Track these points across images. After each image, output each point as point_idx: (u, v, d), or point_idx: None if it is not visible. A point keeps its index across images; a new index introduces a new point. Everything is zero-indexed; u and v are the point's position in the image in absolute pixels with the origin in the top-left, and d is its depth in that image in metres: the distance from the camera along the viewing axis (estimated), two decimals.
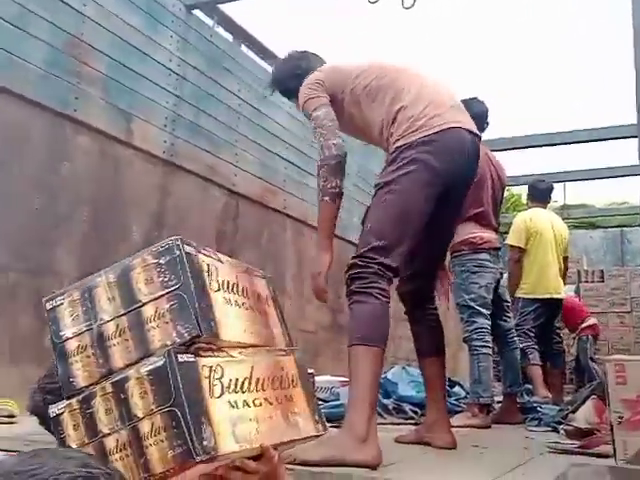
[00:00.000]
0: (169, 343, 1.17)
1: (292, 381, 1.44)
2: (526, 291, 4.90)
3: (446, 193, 2.27)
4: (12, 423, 2.65)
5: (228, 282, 1.35)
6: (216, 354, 1.23)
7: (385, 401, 3.98)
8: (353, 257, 2.19)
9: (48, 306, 1.30)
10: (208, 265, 1.29)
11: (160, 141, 3.96)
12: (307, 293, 5.41)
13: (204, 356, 1.20)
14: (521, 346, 4.72)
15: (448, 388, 3.98)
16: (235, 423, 1.20)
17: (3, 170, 3.02)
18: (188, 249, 1.24)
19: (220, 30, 4.71)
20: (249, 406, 1.26)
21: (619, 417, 2.13)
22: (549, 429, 3.31)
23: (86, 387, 1.21)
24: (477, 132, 2.39)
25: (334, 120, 2.34)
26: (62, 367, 1.26)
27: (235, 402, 1.22)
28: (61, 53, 3.32)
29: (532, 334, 4.90)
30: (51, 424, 1.25)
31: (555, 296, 4.95)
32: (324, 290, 2.28)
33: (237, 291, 1.37)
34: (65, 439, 1.20)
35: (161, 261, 1.21)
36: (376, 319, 2.09)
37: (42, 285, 3.14)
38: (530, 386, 4.85)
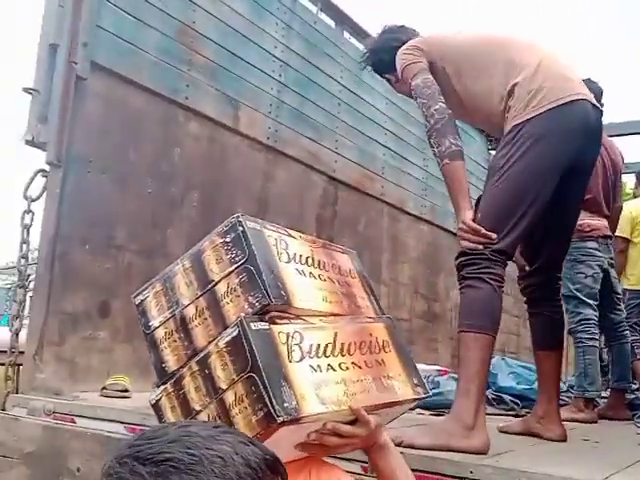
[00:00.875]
0: (243, 315, 1.20)
1: (383, 346, 1.44)
2: (632, 283, 4.72)
3: (569, 175, 2.14)
4: (126, 397, 2.79)
5: (301, 255, 1.38)
6: (293, 321, 1.26)
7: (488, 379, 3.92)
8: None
9: (136, 301, 1.38)
10: (276, 239, 1.33)
11: (265, 127, 4.03)
12: (402, 279, 5.41)
13: (280, 323, 1.23)
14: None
15: None
16: (319, 386, 1.20)
17: (121, 155, 3.15)
18: (251, 225, 1.29)
19: (323, 16, 4.72)
20: (334, 370, 1.27)
21: None
22: None
23: (177, 370, 1.27)
24: (600, 107, 2.25)
25: (434, 85, 2.21)
26: (154, 355, 1.33)
27: (318, 366, 1.24)
28: (173, 41, 3.43)
29: (639, 327, 4.70)
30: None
31: None
32: (477, 229, 2.06)
33: (312, 263, 1.40)
34: (165, 422, 1.24)
35: (227, 239, 1.27)
36: (487, 305, 2.02)
37: (154, 266, 3.27)
38: (637, 383, 4.66)
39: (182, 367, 1.27)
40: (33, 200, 2.85)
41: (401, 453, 1.75)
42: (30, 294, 2.93)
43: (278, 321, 1.23)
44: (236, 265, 1.25)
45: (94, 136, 3.02)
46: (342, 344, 1.32)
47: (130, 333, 3.02)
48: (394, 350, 1.48)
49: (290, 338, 1.22)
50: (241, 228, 1.27)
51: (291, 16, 4.27)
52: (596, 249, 3.55)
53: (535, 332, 2.46)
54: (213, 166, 3.69)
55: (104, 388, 2.82)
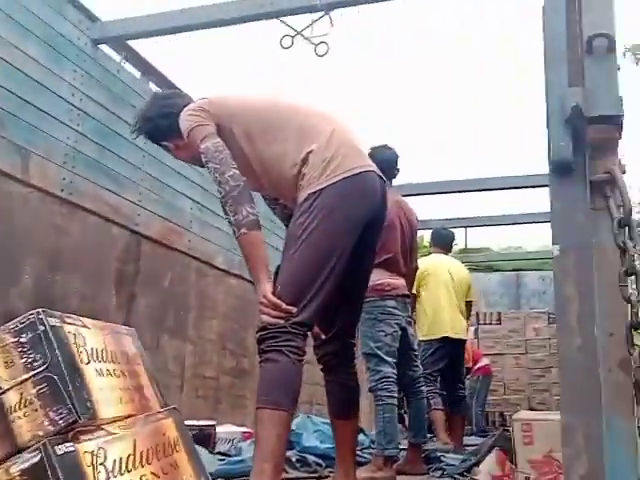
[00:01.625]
0: (42, 434, 1.05)
1: (174, 446, 1.43)
2: (424, 333, 5.00)
3: (360, 241, 2.17)
4: None
5: (97, 350, 1.27)
6: (95, 434, 1.14)
7: (288, 453, 3.87)
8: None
9: None
10: (75, 335, 1.19)
11: (59, 179, 3.76)
12: (209, 336, 5.27)
13: (83, 440, 1.10)
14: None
15: None
16: None
17: None
18: (53, 321, 1.14)
19: (128, 66, 4.56)
20: None
21: (526, 478, 2.14)
22: None
23: None
24: (383, 177, 2.31)
25: (225, 150, 2.13)
26: None
27: None
28: None
29: (433, 378, 4.95)
30: None
31: (453, 335, 5.04)
32: (277, 303, 2.01)
33: (107, 358, 1.30)
34: None
35: (22, 339, 1.11)
36: (286, 380, 1.97)
37: None
38: (434, 433, 4.88)
39: None
40: None
41: None
42: None
43: (81, 437, 1.11)
44: (34, 372, 1.10)
45: None
46: (141, 453, 1.26)
47: None
48: (183, 448, 1.48)
49: (95, 457, 1.11)
50: (42, 327, 1.12)
51: (92, 64, 4.07)
52: (395, 307, 3.66)
53: (331, 400, 2.44)
54: None
55: None
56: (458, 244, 10.62)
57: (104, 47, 4.24)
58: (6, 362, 1.11)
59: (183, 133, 2.24)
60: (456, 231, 9.50)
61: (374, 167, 2.25)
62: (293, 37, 3.76)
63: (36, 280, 3.57)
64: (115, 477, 1.14)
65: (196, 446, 3.60)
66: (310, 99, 2.40)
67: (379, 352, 3.56)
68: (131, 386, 1.38)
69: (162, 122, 2.38)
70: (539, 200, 5.99)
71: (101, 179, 4.10)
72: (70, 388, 1.09)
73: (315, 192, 2.10)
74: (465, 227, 9.19)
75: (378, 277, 3.55)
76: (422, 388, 3.92)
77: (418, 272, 4.72)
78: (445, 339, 5.02)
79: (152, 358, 4.47)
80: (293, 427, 4.11)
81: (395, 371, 3.60)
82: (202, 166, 2.22)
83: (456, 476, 3.32)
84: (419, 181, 7.08)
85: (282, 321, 2.00)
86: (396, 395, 3.57)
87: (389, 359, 3.58)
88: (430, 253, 5.52)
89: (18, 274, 3.47)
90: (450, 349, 5.04)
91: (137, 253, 4.45)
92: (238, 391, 5.53)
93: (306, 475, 3.45)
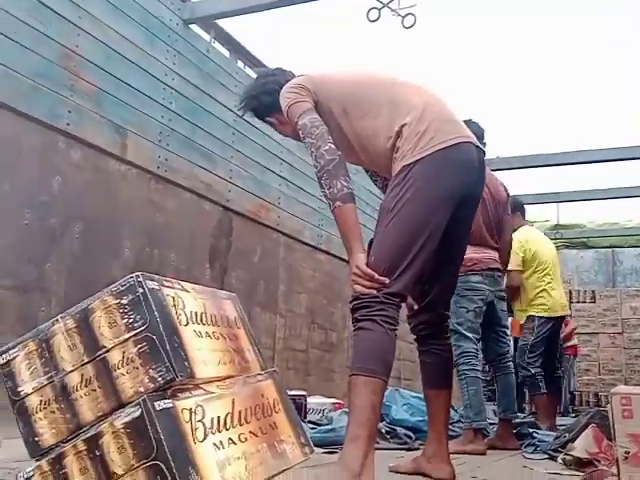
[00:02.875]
0: (142, 390, 1.10)
1: (274, 407, 1.44)
2: (535, 311, 4.80)
3: (456, 213, 2.15)
4: None
5: (196, 313, 1.30)
6: (194, 393, 1.18)
7: (379, 424, 3.91)
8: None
9: (1, 360, 1.21)
10: (173, 298, 1.22)
11: (154, 156, 3.89)
12: (299, 310, 5.36)
13: (182, 398, 1.14)
14: (532, 372, 4.68)
15: None
16: (223, 465, 1.15)
17: None
18: (151, 284, 1.17)
19: (217, 45, 4.65)
20: (235, 443, 1.23)
21: (625, 452, 2.06)
22: (546, 457, 3.25)
23: (55, 445, 1.14)
24: (482, 147, 2.30)
25: (322, 125, 2.15)
26: (25, 426, 1.17)
27: (220, 442, 1.18)
28: (54, 65, 3.26)
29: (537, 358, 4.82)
30: None
31: (563, 313, 4.91)
32: (370, 274, 2.01)
33: (206, 320, 1.32)
34: None
35: (123, 301, 1.15)
36: (380, 348, 1.96)
37: (30, 303, 3.06)
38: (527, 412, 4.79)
39: (62, 443, 1.14)
40: None
41: None
42: None
43: (180, 395, 1.14)
44: (134, 332, 1.13)
45: None
46: (240, 412, 1.29)
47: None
48: (282, 409, 1.49)
49: (193, 414, 1.14)
50: (141, 290, 1.15)
51: (184, 44, 4.17)
52: (480, 282, 3.59)
53: (424, 371, 2.44)
54: (98, 196, 3.51)
55: None
56: (550, 220, 10.33)
57: (194, 27, 4.34)
58: (109, 322, 1.15)
59: (282, 109, 2.28)
60: (547, 207, 9.26)
61: (472, 138, 2.22)
62: (380, 9, 3.73)
63: (135, 253, 3.73)
64: (213, 434, 1.17)
65: None
66: (402, 71, 2.39)
67: (459, 328, 3.52)
68: (231, 348, 1.40)
69: (266, 99, 2.41)
70: (638, 173, 5.70)
71: (194, 156, 4.22)
72: (168, 347, 1.12)
73: (409, 164, 2.09)
74: (557, 202, 8.87)
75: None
76: (509, 363, 3.84)
77: (520, 247, 4.66)
78: (555, 317, 4.85)
79: None
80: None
81: (477, 346, 3.56)
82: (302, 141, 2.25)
83: (550, 452, 3.25)
84: (509, 155, 6.91)
85: (375, 291, 2.01)
86: (479, 368, 3.54)
87: (470, 335, 3.53)
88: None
89: (119, 247, 3.64)
90: (554, 327, 4.88)
91: (229, 228, 4.56)
92: (327, 364, 5.61)
93: (396, 446, 3.46)
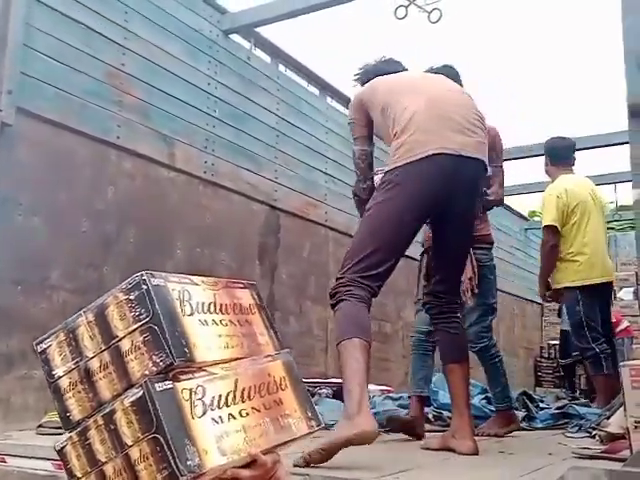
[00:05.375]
0: (147, 373, 1.26)
1: (280, 385, 1.53)
2: (576, 278, 4.14)
3: (444, 211, 2.45)
4: (62, 434, 2.83)
5: (203, 303, 1.43)
6: (196, 375, 1.32)
7: (426, 410, 4.03)
8: (336, 278, 2.39)
9: (39, 349, 1.40)
10: (179, 292, 1.37)
11: (201, 162, 4.14)
12: None
13: (183, 379, 1.29)
14: (597, 350, 4.07)
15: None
16: (221, 437, 1.29)
17: (52, 196, 3.23)
18: (156, 281, 1.32)
19: (258, 52, 4.87)
20: (235, 418, 1.35)
21: (636, 422, 2.15)
22: (587, 435, 3.31)
23: (82, 420, 1.33)
24: (470, 155, 2.40)
25: (366, 159, 2.63)
26: (59, 403, 1.37)
27: (220, 417, 1.32)
28: (102, 84, 3.54)
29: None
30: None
31: (607, 279, 4.27)
32: None
33: (215, 309, 1.46)
34: (71, 469, 1.32)
35: (131, 296, 1.30)
36: (351, 316, 2.27)
37: (89, 303, 3.34)
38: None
39: (87, 418, 1.32)
40: None
41: (307, 475, 1.88)
42: None
43: (181, 377, 1.29)
44: (140, 323, 1.29)
45: (23, 180, 3.10)
46: (243, 390, 1.41)
47: None
48: (290, 386, 1.57)
49: (193, 394, 1.29)
50: (145, 286, 1.30)
51: (224, 54, 4.41)
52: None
53: (440, 347, 2.68)
54: (149, 202, 3.78)
55: (40, 426, 2.87)
56: (613, 202, 10.09)
57: (234, 36, 4.56)
58: (120, 315, 1.31)
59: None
60: (605, 188, 9.01)
61: (450, 149, 2.36)
62: (407, 7, 3.85)
63: (187, 253, 3.99)
64: (213, 410, 1.30)
65: (335, 400, 3.91)
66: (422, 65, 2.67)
67: (496, 306, 3.55)
68: (240, 333, 1.51)
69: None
70: None
71: (239, 159, 4.45)
72: (167, 336, 1.26)
73: (390, 170, 2.42)
74: (615, 183, 8.69)
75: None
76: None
77: (556, 200, 4.12)
78: (597, 285, 4.18)
79: (296, 322, 4.85)
80: (431, 385, 4.26)
81: None
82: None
83: (589, 430, 3.31)
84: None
85: (344, 281, 2.32)
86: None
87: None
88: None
89: (171, 249, 3.90)
90: (601, 297, 4.26)
91: (277, 226, 4.77)
92: (382, 354, 5.74)
93: (439, 429, 3.59)
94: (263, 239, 4.64)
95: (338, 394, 4.14)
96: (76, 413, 1.34)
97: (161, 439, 1.20)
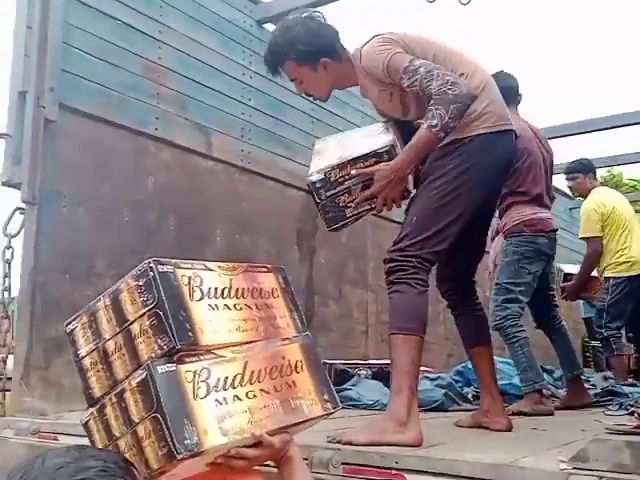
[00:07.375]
0: (153, 355, 1.35)
1: (295, 367, 1.57)
2: (618, 270, 4.84)
3: (490, 191, 2.35)
4: None
5: (216, 288, 1.49)
6: (202, 358, 1.39)
7: (466, 389, 4.06)
8: (393, 249, 2.25)
9: (67, 330, 1.52)
10: (189, 277, 1.44)
11: (237, 150, 4.23)
12: None
13: (187, 362, 1.36)
14: (605, 335, 4.67)
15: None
16: (223, 418, 1.36)
17: (95, 188, 3.37)
18: (164, 268, 1.40)
19: None
20: (241, 400, 1.41)
21: None
22: (627, 412, 3.30)
23: (101, 397, 1.43)
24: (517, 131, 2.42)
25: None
26: (83, 381, 1.48)
27: (224, 399, 1.38)
28: (140, 77, 3.65)
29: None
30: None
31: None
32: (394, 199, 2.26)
33: (228, 294, 1.51)
34: (94, 442, 1.42)
35: (140, 282, 1.39)
36: (414, 308, 2.17)
37: None
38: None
39: (105, 395, 1.42)
40: (13, 236, 3.07)
41: (338, 450, 1.94)
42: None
43: (186, 360, 1.37)
44: (147, 308, 1.37)
45: (67, 173, 3.23)
46: (252, 372, 1.46)
47: None
48: (307, 369, 1.60)
49: (197, 376, 1.36)
50: (152, 273, 1.38)
51: (258, 43, 4.47)
52: (545, 245, 3.59)
53: (463, 331, 2.62)
54: (188, 191, 3.89)
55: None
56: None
57: (267, 26, 4.62)
58: (131, 300, 1.40)
59: (379, 64, 2.30)
60: (600, 170, 8.82)
61: (514, 125, 2.35)
62: None
63: (227, 240, 4.09)
64: (217, 392, 1.37)
65: (374, 381, 3.97)
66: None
67: (515, 289, 3.49)
68: (257, 317, 1.55)
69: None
70: None
71: (275, 147, 4.52)
72: (171, 321, 1.34)
73: (460, 139, 2.25)
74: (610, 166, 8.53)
75: (533, 211, 3.53)
76: (563, 323, 3.82)
77: (598, 212, 4.71)
78: (631, 277, 4.85)
79: (336, 305, 4.91)
80: (470, 366, 4.28)
81: (522, 310, 3.53)
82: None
83: (628, 407, 3.30)
84: (562, 122, 6.78)
85: (409, 257, 2.20)
86: (525, 329, 3.50)
87: (523, 298, 3.50)
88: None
89: (211, 236, 4.00)
90: (632, 286, 4.85)
91: (314, 212, 4.80)
92: None
93: (477, 407, 3.61)
94: (301, 225, 4.72)
95: (377, 375, 4.21)
96: (96, 390, 1.44)
97: (160, 418, 1.28)
